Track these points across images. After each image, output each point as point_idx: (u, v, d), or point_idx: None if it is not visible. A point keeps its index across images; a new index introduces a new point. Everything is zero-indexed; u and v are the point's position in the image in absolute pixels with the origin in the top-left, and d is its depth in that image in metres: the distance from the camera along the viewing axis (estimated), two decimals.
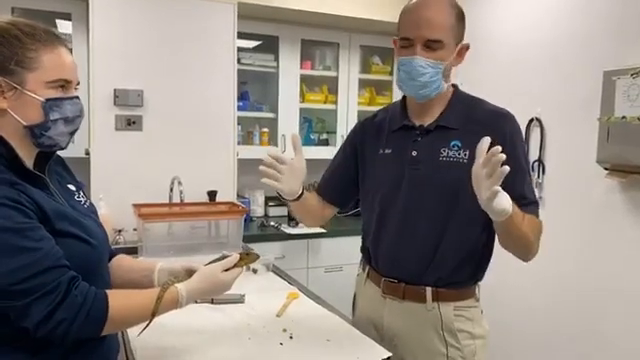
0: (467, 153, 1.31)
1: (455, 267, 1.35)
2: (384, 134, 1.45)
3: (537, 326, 2.53)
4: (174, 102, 2.69)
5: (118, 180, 2.54)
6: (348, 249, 2.81)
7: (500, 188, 1.08)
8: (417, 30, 1.26)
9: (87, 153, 2.53)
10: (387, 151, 1.42)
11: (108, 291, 1.01)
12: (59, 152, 1.13)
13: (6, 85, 0.96)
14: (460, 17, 1.31)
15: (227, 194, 2.78)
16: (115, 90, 2.54)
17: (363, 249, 1.55)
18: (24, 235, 0.90)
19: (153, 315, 1.04)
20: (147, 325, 1.06)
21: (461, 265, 1.35)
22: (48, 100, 0.99)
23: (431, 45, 1.26)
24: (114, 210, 2.40)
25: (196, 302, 1.33)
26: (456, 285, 1.36)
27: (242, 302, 1.61)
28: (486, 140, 1.11)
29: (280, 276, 1.97)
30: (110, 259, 1.24)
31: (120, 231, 2.48)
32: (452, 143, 1.33)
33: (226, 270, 1.15)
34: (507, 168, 1.06)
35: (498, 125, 1.32)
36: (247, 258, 1.22)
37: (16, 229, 0.90)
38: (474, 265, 1.38)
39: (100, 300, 0.98)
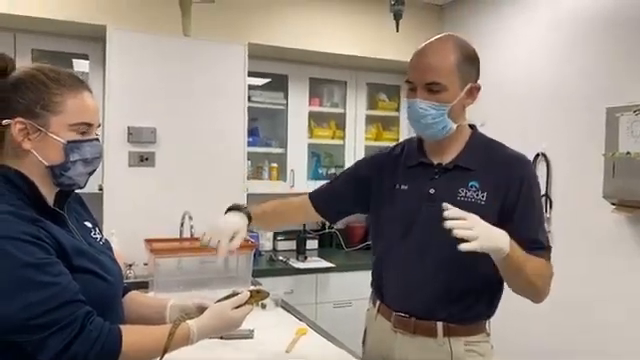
0: (485, 195, 1.33)
1: (467, 304, 1.35)
2: (399, 169, 1.47)
3: None
4: (186, 139, 2.76)
5: (130, 215, 2.59)
6: (357, 284, 2.80)
7: (472, 235, 1.13)
8: (418, 74, 1.32)
9: (100, 189, 2.58)
10: (403, 187, 1.43)
11: (122, 326, 1.03)
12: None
13: (31, 127, 1.01)
14: (467, 58, 1.32)
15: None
16: (129, 127, 2.61)
17: (373, 283, 1.55)
18: (43, 270, 0.94)
19: (165, 351, 1.05)
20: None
21: (473, 302, 1.36)
22: (69, 142, 1.03)
23: (432, 88, 1.30)
24: (125, 244, 2.43)
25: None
26: (467, 321, 1.37)
27: (251, 337, 1.62)
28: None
29: (289, 311, 1.97)
30: (124, 294, 1.26)
31: (131, 265, 2.50)
32: (470, 184, 1.35)
33: (236, 307, 1.17)
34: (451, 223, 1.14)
35: (515, 169, 1.35)
36: (257, 296, 1.23)
37: (36, 264, 0.93)
38: (486, 302, 1.39)
39: (114, 335, 1.00)
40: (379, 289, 1.50)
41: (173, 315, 1.22)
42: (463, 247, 1.11)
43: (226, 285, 2.06)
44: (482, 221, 1.16)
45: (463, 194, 1.35)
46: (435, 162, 1.41)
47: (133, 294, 1.31)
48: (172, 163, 2.72)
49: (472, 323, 1.38)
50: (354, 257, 3.32)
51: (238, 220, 1.43)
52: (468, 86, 1.33)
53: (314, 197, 1.60)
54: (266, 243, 3.31)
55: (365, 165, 1.59)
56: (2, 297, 0.90)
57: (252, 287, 1.25)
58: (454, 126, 1.36)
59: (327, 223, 3.51)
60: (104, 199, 2.57)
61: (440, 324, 1.36)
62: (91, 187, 2.61)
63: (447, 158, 1.40)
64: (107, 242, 1.23)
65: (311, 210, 1.59)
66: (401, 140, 1.75)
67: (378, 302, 1.51)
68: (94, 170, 1.12)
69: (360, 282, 2.76)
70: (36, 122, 1.01)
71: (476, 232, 1.13)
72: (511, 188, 1.33)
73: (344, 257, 3.32)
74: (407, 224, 1.40)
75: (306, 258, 3.12)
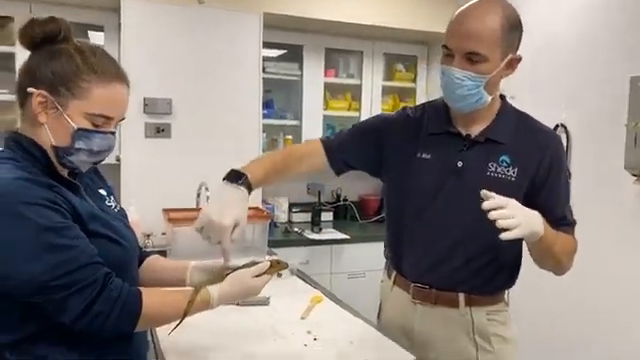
0: (515, 171, 1.29)
1: (489, 277, 1.35)
2: (421, 136, 1.39)
3: (564, 331, 2.48)
4: (202, 110, 2.76)
5: (147, 186, 2.61)
6: (371, 256, 2.75)
7: (511, 224, 1.10)
8: (457, 41, 1.22)
9: (118, 159, 2.61)
10: (425, 156, 1.36)
11: (142, 288, 1.05)
12: None
13: (50, 103, 1.01)
14: (512, 27, 1.22)
15: (252, 200, 2.79)
16: (145, 99, 2.62)
17: (389, 255, 1.53)
18: (61, 234, 0.95)
19: (184, 315, 1.08)
20: (178, 324, 1.09)
21: (495, 275, 1.35)
22: (79, 129, 1.01)
23: (471, 57, 1.20)
24: (143, 215, 2.46)
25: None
26: (489, 292, 1.37)
27: (267, 304, 1.64)
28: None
29: (304, 280, 1.99)
30: (142, 261, 1.29)
31: (149, 235, 2.54)
32: (501, 158, 1.30)
33: (256, 276, 1.18)
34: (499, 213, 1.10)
35: (547, 145, 1.31)
36: (277, 266, 1.24)
37: (54, 228, 0.95)
38: (507, 274, 1.38)
39: (134, 295, 1.02)
40: (396, 260, 1.47)
41: (194, 278, 1.25)
42: (505, 236, 1.09)
43: (242, 255, 2.08)
44: (520, 206, 1.14)
45: (493, 169, 1.30)
46: (464, 132, 1.34)
47: (153, 258, 1.32)
48: (188, 134, 2.73)
49: (493, 294, 1.37)
50: (369, 229, 3.33)
51: (237, 207, 1.23)
52: (509, 57, 1.24)
53: (327, 141, 1.49)
54: (281, 215, 3.33)
55: (382, 124, 1.48)
56: (23, 260, 0.92)
57: (271, 257, 1.26)
58: (489, 99, 1.28)
59: (342, 195, 3.53)
60: (121, 170, 2.60)
61: (462, 295, 1.35)
62: (109, 158, 2.64)
63: (476, 129, 1.33)
64: (122, 210, 1.24)
65: (318, 158, 1.47)
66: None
67: (394, 273, 1.48)
68: (100, 161, 1.10)
69: (374, 254, 2.77)
70: (56, 99, 1.00)
71: (517, 220, 1.10)
72: (542, 164, 1.29)
73: (359, 229, 3.33)
74: (429, 196, 1.35)
75: (321, 230, 3.14)
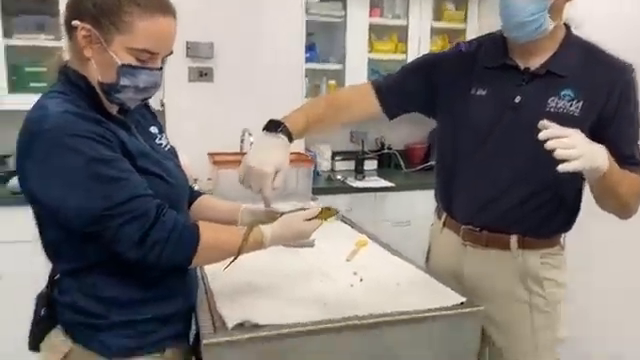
0: (579, 105, 1.20)
1: (544, 218, 1.28)
2: (476, 71, 1.32)
3: (621, 286, 2.38)
4: (244, 54, 2.71)
5: (192, 131, 2.61)
6: (417, 204, 2.85)
7: (573, 154, 1.01)
8: None
9: (162, 105, 2.61)
10: (480, 92, 1.30)
11: (198, 222, 1.05)
12: None
13: (95, 37, 0.98)
14: None
15: (294, 147, 2.78)
16: (187, 42, 2.59)
17: (439, 196, 1.49)
18: (112, 165, 0.95)
19: (239, 251, 1.07)
20: (232, 260, 1.09)
21: (551, 216, 1.29)
22: (123, 65, 0.98)
23: None
24: (189, 160, 2.49)
25: None
26: (544, 235, 1.30)
27: (312, 246, 1.62)
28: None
29: (350, 225, 1.97)
30: (193, 201, 1.29)
31: (196, 180, 2.57)
32: (563, 92, 1.22)
33: (306, 220, 1.17)
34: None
35: (618, 77, 1.21)
36: (327, 212, 1.22)
37: (103, 159, 0.94)
38: (564, 216, 1.31)
39: (191, 227, 1.02)
40: (446, 202, 1.44)
41: (245, 219, 1.24)
42: (563, 168, 1.01)
43: (286, 201, 2.08)
44: (583, 137, 1.05)
45: (554, 104, 1.21)
46: (522, 66, 1.25)
47: (205, 198, 1.33)
48: (230, 79, 2.70)
49: (548, 237, 1.31)
50: (414, 178, 3.26)
51: (278, 154, 1.22)
52: None
53: (377, 84, 1.43)
54: (324, 163, 3.29)
55: (433, 61, 1.43)
56: (75, 190, 0.93)
57: (313, 204, 1.24)
58: (551, 26, 1.18)
59: (386, 143, 3.45)
60: (166, 115, 2.61)
61: (514, 237, 1.30)
62: (153, 103, 2.71)
63: (537, 61, 1.24)
64: (173, 149, 1.23)
65: (370, 103, 1.42)
66: None
67: (444, 215, 1.45)
68: (147, 97, 1.08)
69: (420, 202, 2.83)
70: (100, 34, 0.97)
71: (578, 151, 1.01)
72: (611, 98, 1.19)
73: (403, 177, 3.27)
74: (483, 134, 1.29)
75: (364, 177, 3.10)
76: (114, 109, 1.06)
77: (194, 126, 2.63)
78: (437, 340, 1.20)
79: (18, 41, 2.45)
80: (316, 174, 3.11)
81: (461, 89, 1.33)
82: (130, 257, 0.97)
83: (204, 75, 2.63)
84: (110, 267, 1.01)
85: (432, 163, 3.28)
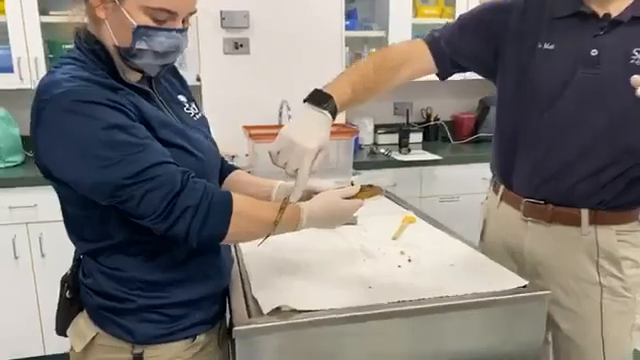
0: None
1: (622, 189, 1.11)
2: (543, 22, 1.15)
3: None
4: (280, 22, 2.58)
5: (229, 105, 2.53)
6: (466, 178, 2.68)
7: None
8: None
9: (198, 79, 2.54)
10: (548, 46, 1.13)
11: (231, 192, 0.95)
12: None
13: None
14: None
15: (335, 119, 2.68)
16: (222, 12, 2.49)
17: (497, 166, 1.34)
18: (129, 132, 0.86)
19: (275, 224, 0.95)
20: (267, 236, 0.98)
21: (630, 187, 1.12)
22: (139, 27, 0.88)
23: None
24: (227, 136, 2.39)
25: None
26: (620, 208, 1.13)
27: (354, 224, 1.51)
28: None
29: (394, 201, 1.84)
30: (227, 174, 1.20)
31: (233, 157, 2.50)
32: None
33: (347, 199, 1.05)
34: None
35: None
36: (370, 190, 1.09)
37: (119, 125, 0.85)
38: None
39: (224, 194, 0.92)
40: (505, 172, 1.28)
41: (280, 195, 1.13)
42: None
43: (326, 177, 1.97)
44: None
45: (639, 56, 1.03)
46: (601, 12, 1.08)
47: (239, 173, 1.23)
48: (267, 49, 2.58)
49: (627, 210, 1.14)
50: (463, 150, 3.07)
51: (321, 130, 1.07)
52: None
53: (432, 40, 1.28)
54: (366, 137, 3.15)
55: (495, 12, 1.25)
56: (91, 160, 0.84)
57: (355, 179, 1.11)
58: None
59: (433, 114, 3.27)
60: (202, 90, 2.53)
61: (585, 211, 1.14)
62: (189, 79, 2.63)
63: (619, 5, 1.06)
64: (204, 119, 1.13)
65: (423, 61, 1.27)
66: None
67: (502, 188, 1.30)
68: (169, 64, 0.97)
69: (470, 176, 2.62)
70: None
71: None
72: None
73: (451, 150, 3.09)
74: (552, 94, 1.13)
75: (410, 151, 2.95)
76: (134, 77, 0.97)
77: (231, 100, 2.55)
78: (498, 328, 1.07)
79: (54, 18, 2.41)
80: (358, 148, 3.01)
81: (527, 44, 1.17)
82: (158, 229, 0.88)
83: (240, 47, 2.53)
84: (135, 247, 0.94)
85: (482, 135, 3.15)
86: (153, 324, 0.95)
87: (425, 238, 1.40)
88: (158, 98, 1.00)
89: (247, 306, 1.02)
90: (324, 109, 1.08)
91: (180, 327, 0.97)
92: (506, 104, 1.28)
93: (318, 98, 1.10)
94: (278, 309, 0.99)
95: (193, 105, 1.11)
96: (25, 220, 2.26)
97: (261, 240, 0.99)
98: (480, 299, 1.05)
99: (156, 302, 0.95)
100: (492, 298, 1.05)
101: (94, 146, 0.83)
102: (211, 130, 1.14)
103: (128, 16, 0.87)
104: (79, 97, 0.83)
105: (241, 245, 1.28)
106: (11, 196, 2.23)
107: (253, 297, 1.04)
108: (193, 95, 1.14)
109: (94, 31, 0.93)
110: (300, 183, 1.03)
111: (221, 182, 1.18)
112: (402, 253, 1.28)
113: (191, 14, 0.95)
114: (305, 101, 1.11)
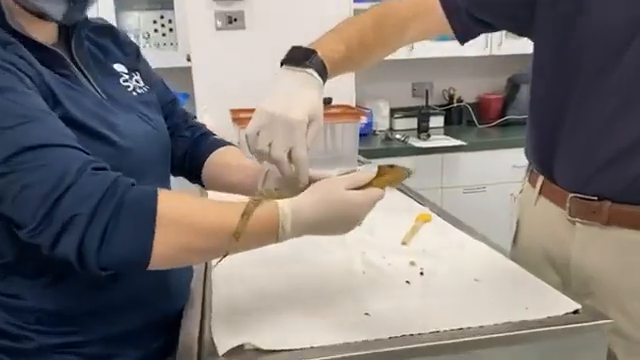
0: None
1: None
2: None
3: None
4: None
5: (223, 87, 2.32)
6: (495, 165, 2.47)
7: None
8: None
9: (188, 59, 2.34)
10: None
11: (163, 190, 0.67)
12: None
13: None
14: None
15: (342, 101, 2.45)
16: None
17: (534, 152, 1.07)
18: (10, 98, 0.61)
19: (235, 237, 0.67)
20: (226, 254, 0.70)
21: None
22: None
23: None
24: (220, 123, 2.19)
25: None
26: None
27: (358, 224, 1.25)
28: None
29: (407, 194, 1.56)
30: (209, 153, 0.96)
31: None
32: None
33: (355, 189, 0.74)
34: None
35: None
36: (392, 172, 0.80)
37: (5, 89, 0.62)
38: None
39: (143, 191, 0.64)
40: (545, 160, 1.02)
41: (270, 186, 0.86)
42: None
43: (331, 166, 1.72)
44: None
45: None
46: None
47: (221, 152, 0.97)
48: (265, 23, 2.36)
49: None
50: (490, 135, 2.83)
51: (310, 95, 0.87)
52: None
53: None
54: (381, 121, 2.93)
55: None
56: None
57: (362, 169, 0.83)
58: None
59: (456, 96, 3.00)
60: (193, 71, 2.33)
61: None
62: (178, 60, 2.44)
63: None
64: (148, 94, 0.88)
65: (434, 16, 1.03)
66: None
67: (541, 179, 1.05)
68: (77, 2, 0.72)
69: (497, 164, 2.42)
70: None
71: None
72: None
73: (476, 135, 2.86)
74: (615, 45, 0.85)
75: (429, 136, 2.73)
76: (45, 34, 0.73)
77: (225, 82, 2.34)
78: None
79: None
80: (372, 133, 2.81)
81: None
82: (42, 245, 0.62)
83: (234, 21, 2.31)
84: (32, 267, 0.70)
85: (511, 117, 2.87)
86: None
87: (443, 242, 1.13)
88: (75, 64, 0.75)
89: (200, 342, 0.78)
90: (306, 67, 0.88)
91: None
92: (547, 66, 1.00)
93: (299, 55, 0.91)
94: (240, 347, 0.74)
95: (137, 77, 0.88)
96: None
97: (217, 260, 0.73)
98: (516, 332, 0.79)
99: (63, 340, 0.71)
100: (532, 330, 0.79)
101: None
102: (205, 117, 0.89)
103: None
104: None
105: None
106: None
107: (208, 330, 0.79)
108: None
109: None
110: (301, 168, 0.78)
111: (202, 164, 0.96)
112: (412, 264, 1.02)
113: None
114: (282, 63, 0.91)
